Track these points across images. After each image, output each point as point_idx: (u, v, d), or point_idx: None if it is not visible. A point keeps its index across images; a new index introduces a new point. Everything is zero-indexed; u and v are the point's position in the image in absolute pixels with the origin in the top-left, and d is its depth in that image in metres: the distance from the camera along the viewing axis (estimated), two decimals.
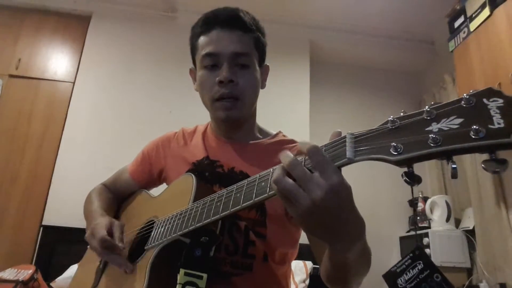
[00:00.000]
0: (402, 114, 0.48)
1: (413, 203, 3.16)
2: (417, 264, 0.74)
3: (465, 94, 0.42)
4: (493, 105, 0.40)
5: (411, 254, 0.77)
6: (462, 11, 2.55)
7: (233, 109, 0.91)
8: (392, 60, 3.68)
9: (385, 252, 3.09)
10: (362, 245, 0.59)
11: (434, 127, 0.43)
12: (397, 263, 0.77)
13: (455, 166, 0.42)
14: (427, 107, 0.45)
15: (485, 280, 2.52)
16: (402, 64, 3.73)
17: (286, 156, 0.53)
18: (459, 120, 0.42)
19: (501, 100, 0.40)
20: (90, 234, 0.89)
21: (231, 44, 0.91)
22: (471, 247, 2.71)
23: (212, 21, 0.94)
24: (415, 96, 3.69)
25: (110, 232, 0.88)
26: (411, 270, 0.74)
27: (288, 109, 3.19)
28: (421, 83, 3.73)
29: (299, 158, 0.55)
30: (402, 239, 3.17)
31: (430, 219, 2.92)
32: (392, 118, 0.48)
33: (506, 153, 0.41)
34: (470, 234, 2.73)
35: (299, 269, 2.42)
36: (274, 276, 0.89)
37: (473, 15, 2.44)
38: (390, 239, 3.19)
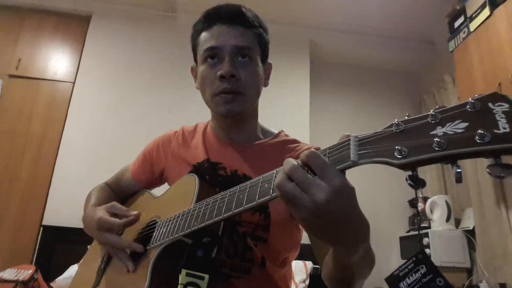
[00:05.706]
0: (406, 117, 0.47)
1: (413, 203, 3.16)
2: (420, 268, 0.73)
3: (470, 99, 0.42)
4: (499, 109, 0.40)
5: (414, 258, 0.76)
6: (462, 11, 2.55)
7: (234, 102, 0.89)
8: (392, 60, 3.68)
9: (385, 252, 3.09)
10: (366, 247, 0.59)
11: (439, 131, 0.43)
12: (400, 267, 0.77)
13: (459, 170, 0.41)
14: (432, 111, 0.45)
15: (485, 280, 2.52)
16: (402, 64, 3.73)
17: (288, 162, 0.52)
18: (464, 124, 0.41)
19: (506, 105, 0.40)
20: (100, 232, 0.88)
21: (233, 38, 0.89)
22: (471, 247, 2.72)
23: (214, 16, 0.92)
24: (415, 96, 3.70)
25: (114, 215, 0.90)
26: (413, 274, 0.73)
27: (288, 109, 3.19)
28: (421, 83, 3.73)
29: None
30: (402, 239, 3.17)
31: (430, 219, 2.92)
32: (397, 121, 0.47)
33: (510, 158, 0.41)
34: (470, 234, 2.73)
35: (299, 269, 2.42)
36: (273, 279, 0.89)
37: (473, 15, 2.44)
38: (390, 239, 3.19)
